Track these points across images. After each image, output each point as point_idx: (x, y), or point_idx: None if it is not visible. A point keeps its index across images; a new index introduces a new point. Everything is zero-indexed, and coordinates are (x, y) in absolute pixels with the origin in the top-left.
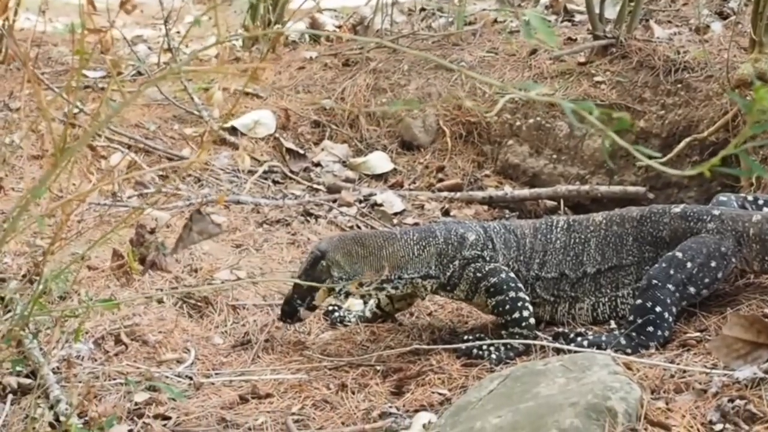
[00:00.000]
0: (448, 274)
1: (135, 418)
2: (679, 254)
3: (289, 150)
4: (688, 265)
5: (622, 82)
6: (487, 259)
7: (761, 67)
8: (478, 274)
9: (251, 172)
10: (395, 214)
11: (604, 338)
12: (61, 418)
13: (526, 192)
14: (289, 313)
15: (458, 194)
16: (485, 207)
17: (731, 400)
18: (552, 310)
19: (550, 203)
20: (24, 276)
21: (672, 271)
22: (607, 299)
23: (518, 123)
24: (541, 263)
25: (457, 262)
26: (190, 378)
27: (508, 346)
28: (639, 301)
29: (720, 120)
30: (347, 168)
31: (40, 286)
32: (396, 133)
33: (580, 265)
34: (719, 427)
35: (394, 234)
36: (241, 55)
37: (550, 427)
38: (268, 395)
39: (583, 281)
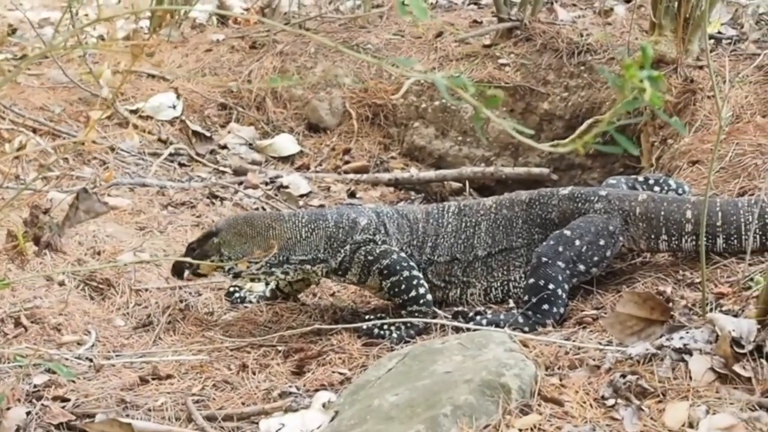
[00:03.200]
0: (339, 258)
1: (34, 400)
2: (567, 232)
3: (195, 132)
4: (577, 242)
5: (526, 65)
6: (379, 243)
7: (661, 48)
8: (370, 257)
9: (157, 155)
10: (301, 196)
11: (502, 317)
12: None
13: (431, 174)
14: (178, 271)
15: (364, 176)
16: (391, 189)
17: (623, 376)
18: (443, 296)
19: (455, 185)
20: None
21: (561, 248)
22: (498, 283)
23: (424, 105)
24: (433, 247)
25: (348, 247)
26: (91, 360)
27: (408, 325)
28: (531, 280)
29: (621, 101)
30: (254, 150)
31: None
32: (303, 116)
33: (471, 248)
34: (611, 402)
35: (282, 215)
36: (147, 38)
37: (445, 404)
38: (168, 376)
39: (475, 265)
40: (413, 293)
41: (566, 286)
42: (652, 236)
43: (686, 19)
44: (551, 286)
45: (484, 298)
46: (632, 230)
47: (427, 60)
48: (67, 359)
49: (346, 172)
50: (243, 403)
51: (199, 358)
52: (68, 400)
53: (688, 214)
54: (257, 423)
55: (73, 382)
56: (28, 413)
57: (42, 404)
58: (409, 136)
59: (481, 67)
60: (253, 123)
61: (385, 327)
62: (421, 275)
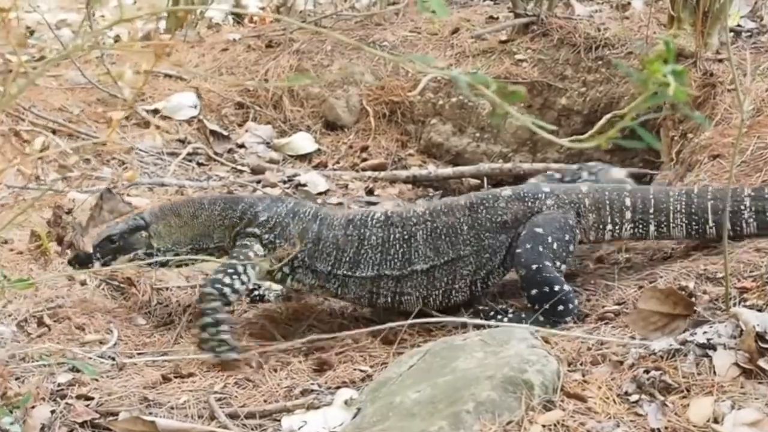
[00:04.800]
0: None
1: (58, 398)
2: (539, 230)
3: (213, 132)
4: (549, 239)
5: (543, 60)
6: (265, 242)
7: (680, 42)
8: (238, 241)
9: (175, 154)
10: (319, 194)
11: (523, 316)
12: None
13: (449, 170)
14: (83, 260)
15: (382, 174)
16: (409, 186)
17: (647, 371)
18: (369, 303)
19: (473, 181)
20: None
21: (540, 249)
22: (440, 293)
23: (441, 102)
24: (353, 263)
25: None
26: (113, 358)
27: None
28: (534, 291)
29: (640, 96)
30: (271, 149)
31: None
32: (320, 114)
33: (407, 263)
34: (635, 397)
35: (203, 203)
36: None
37: (467, 400)
38: (190, 374)
39: (412, 277)
40: (208, 321)
41: (563, 280)
42: (600, 226)
43: (705, 12)
44: (556, 288)
45: (422, 304)
46: (584, 222)
47: (444, 56)
48: (90, 358)
49: (363, 170)
50: (265, 401)
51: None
52: (92, 398)
53: (627, 201)
54: (279, 420)
55: (96, 380)
56: (52, 411)
57: (66, 403)
58: (427, 133)
59: (498, 63)
60: (270, 122)
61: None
62: (242, 288)
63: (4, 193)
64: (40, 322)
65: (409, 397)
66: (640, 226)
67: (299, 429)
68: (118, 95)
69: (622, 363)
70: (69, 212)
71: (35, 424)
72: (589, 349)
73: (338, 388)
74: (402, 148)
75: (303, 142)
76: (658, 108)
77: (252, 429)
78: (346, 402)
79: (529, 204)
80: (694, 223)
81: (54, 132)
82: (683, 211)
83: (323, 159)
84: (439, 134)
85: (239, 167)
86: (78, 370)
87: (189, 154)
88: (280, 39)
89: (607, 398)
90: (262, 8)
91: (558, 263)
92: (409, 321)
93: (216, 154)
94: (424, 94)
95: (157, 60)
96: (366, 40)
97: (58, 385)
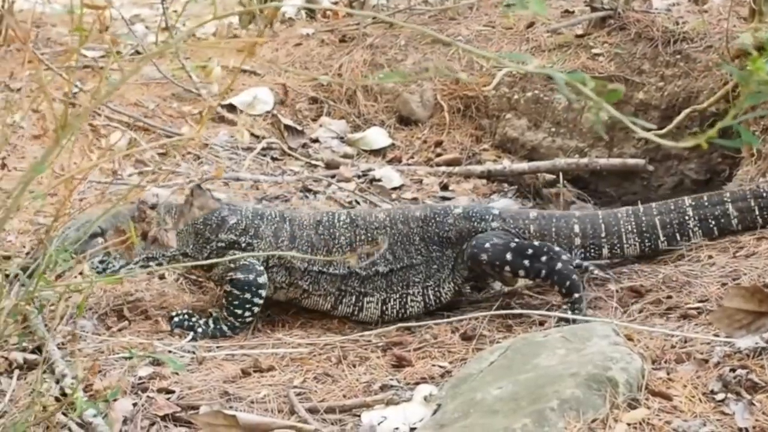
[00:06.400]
0: (205, 255)
1: (139, 392)
2: (491, 237)
3: (287, 126)
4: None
5: (620, 54)
6: (243, 245)
7: (761, 36)
8: (231, 264)
9: (250, 149)
10: (393, 189)
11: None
12: (67, 392)
13: (524, 165)
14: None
15: (456, 168)
16: (484, 181)
17: (733, 370)
18: (335, 302)
19: (549, 176)
20: (28, 253)
21: (501, 241)
22: (397, 296)
23: (516, 96)
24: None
25: (213, 244)
26: (193, 352)
27: (218, 327)
28: (525, 262)
29: (720, 91)
30: (345, 144)
31: (44, 262)
32: (394, 109)
33: (372, 264)
34: (721, 396)
35: (159, 210)
36: (238, 33)
37: (551, 398)
38: (270, 368)
39: (374, 279)
40: (239, 311)
41: (540, 246)
42: None
43: None
44: (552, 263)
45: (381, 307)
46: None
47: (519, 51)
48: (170, 351)
49: (438, 165)
50: (344, 396)
51: (299, 350)
52: (173, 391)
53: (576, 228)
54: (359, 415)
55: (177, 374)
56: (134, 405)
57: (147, 396)
58: (502, 128)
59: (574, 57)
60: (344, 116)
61: (194, 320)
62: (260, 302)
63: (82, 187)
64: (120, 316)
65: (490, 394)
66: (592, 250)
67: (379, 424)
68: (192, 90)
69: (707, 361)
70: (153, 208)
71: (117, 416)
72: (673, 346)
73: (417, 383)
74: (476, 143)
75: (377, 136)
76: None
77: (332, 424)
78: (425, 398)
79: (475, 224)
80: (646, 240)
81: (129, 126)
82: (634, 230)
83: (397, 154)
84: (514, 129)
85: (313, 162)
86: (159, 364)
87: (263, 148)
88: (353, 33)
89: (693, 397)
90: (335, 2)
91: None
92: (490, 312)
93: (290, 148)
94: (498, 88)
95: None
96: (440, 34)
97: (140, 378)
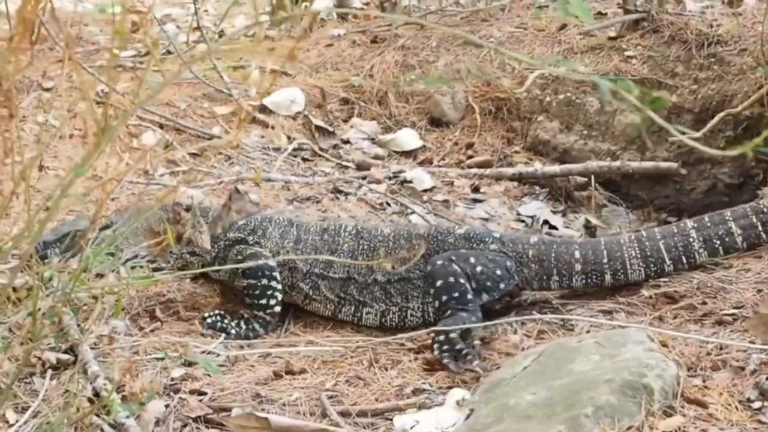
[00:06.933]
0: (213, 254)
1: (171, 393)
2: (462, 251)
3: (318, 127)
4: (472, 259)
5: (653, 57)
6: (251, 243)
7: None
8: (239, 257)
9: (281, 150)
10: (425, 190)
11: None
12: (102, 393)
13: (556, 168)
14: (42, 256)
15: (488, 171)
16: (515, 183)
17: None
18: (335, 310)
19: (580, 179)
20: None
21: (459, 263)
22: (396, 308)
23: (548, 99)
24: (328, 262)
25: (221, 243)
26: (225, 354)
27: (251, 326)
28: (439, 282)
29: (754, 94)
30: (376, 145)
31: (81, 263)
32: (425, 110)
33: (370, 271)
34: (758, 404)
35: (166, 210)
36: (271, 34)
37: (586, 404)
38: (302, 371)
39: (372, 288)
40: (263, 301)
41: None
42: (544, 277)
43: None
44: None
45: (379, 319)
46: (525, 271)
47: (551, 53)
48: (202, 353)
49: (469, 167)
50: (376, 399)
51: (331, 352)
52: (205, 393)
53: (577, 254)
54: (391, 419)
55: (209, 375)
56: (166, 406)
57: (180, 397)
58: (533, 130)
59: (607, 59)
60: (375, 117)
61: (227, 321)
62: (279, 287)
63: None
64: (153, 317)
65: (524, 399)
66: (594, 276)
67: (411, 428)
68: (224, 90)
69: (743, 369)
70: (188, 210)
71: (150, 418)
72: (708, 354)
73: (449, 388)
74: (508, 145)
75: (408, 138)
76: None
77: (364, 427)
78: (458, 402)
79: (474, 245)
80: (652, 265)
81: (161, 126)
82: (638, 256)
83: (428, 155)
84: (546, 131)
85: (344, 163)
86: (191, 365)
87: (294, 149)
88: (385, 35)
89: (729, 405)
90: (366, 4)
91: (475, 285)
92: (527, 317)
93: (321, 149)
94: (530, 90)
95: (291, 60)
96: (472, 36)
97: (172, 379)
